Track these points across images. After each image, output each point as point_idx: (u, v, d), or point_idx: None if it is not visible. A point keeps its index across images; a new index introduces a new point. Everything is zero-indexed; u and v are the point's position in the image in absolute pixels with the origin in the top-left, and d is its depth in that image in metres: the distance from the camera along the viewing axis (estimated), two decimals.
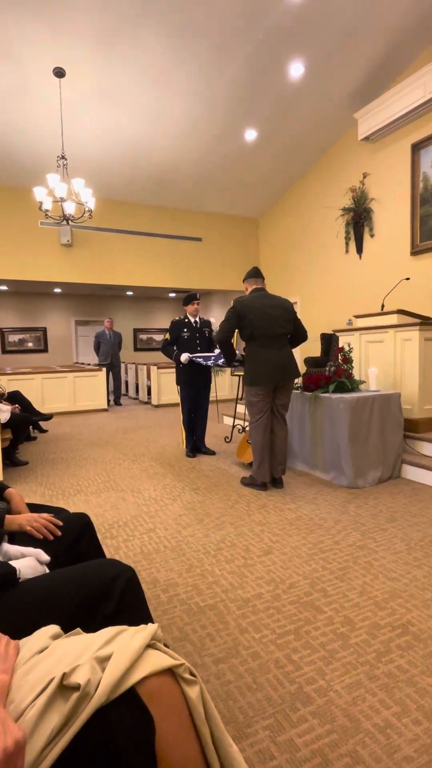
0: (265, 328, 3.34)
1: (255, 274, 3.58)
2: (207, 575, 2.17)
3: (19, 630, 0.92)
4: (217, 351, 4.51)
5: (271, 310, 3.39)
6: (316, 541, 2.51)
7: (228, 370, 6.30)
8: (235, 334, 4.51)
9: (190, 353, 4.43)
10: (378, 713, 1.34)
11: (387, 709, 1.36)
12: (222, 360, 4.30)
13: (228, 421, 6.23)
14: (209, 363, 4.43)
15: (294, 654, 1.59)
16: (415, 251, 5.79)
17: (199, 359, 4.40)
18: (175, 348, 4.55)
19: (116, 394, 9.07)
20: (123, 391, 10.45)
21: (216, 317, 10.88)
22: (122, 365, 10.22)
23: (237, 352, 3.75)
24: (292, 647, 1.63)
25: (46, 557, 1.26)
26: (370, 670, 1.51)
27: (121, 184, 7.67)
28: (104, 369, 8.20)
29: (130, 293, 12.24)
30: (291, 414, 3.95)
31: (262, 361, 3.35)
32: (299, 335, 3.53)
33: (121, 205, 8.23)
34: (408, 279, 5.54)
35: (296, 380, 3.73)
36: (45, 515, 1.42)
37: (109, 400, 8.64)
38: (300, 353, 7.88)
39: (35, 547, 1.29)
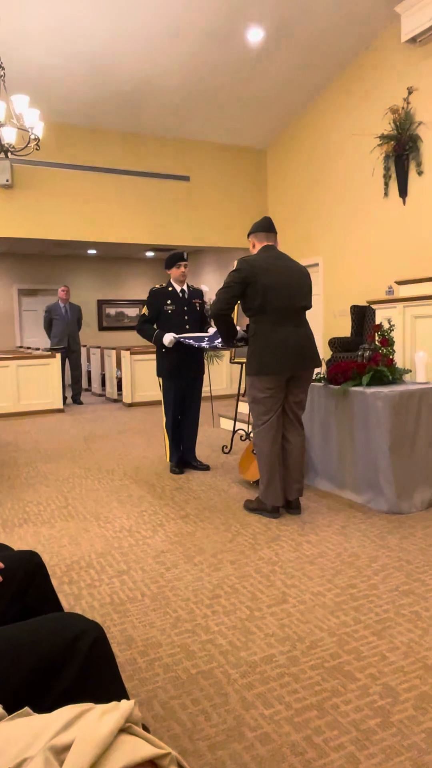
0: (280, 298, 3.33)
1: (265, 226, 3.56)
2: (200, 632, 2.18)
3: None
4: (212, 330, 4.50)
5: (289, 276, 3.38)
6: (346, 586, 2.52)
7: (226, 355, 6.28)
8: (236, 307, 4.49)
9: (177, 333, 4.43)
10: None
11: None
12: (219, 340, 4.28)
13: (227, 424, 6.24)
14: (202, 345, 4.42)
15: (317, 735, 1.61)
16: None
17: (188, 341, 4.39)
18: (155, 326, 4.55)
19: (75, 389, 9.04)
20: (84, 385, 10.44)
21: (210, 285, 10.85)
22: (83, 350, 10.21)
23: (238, 328, 3.74)
24: (315, 727, 1.64)
25: None
26: (419, 756, 1.52)
27: (79, 103, 7.59)
28: (59, 355, 8.17)
29: (92, 252, 12.18)
30: (310, 415, 3.95)
31: (275, 343, 3.33)
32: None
33: (79, 131, 8.16)
34: None
35: (317, 369, 3.73)
36: None
37: (65, 398, 8.62)
38: (322, 332, 7.89)
39: None
